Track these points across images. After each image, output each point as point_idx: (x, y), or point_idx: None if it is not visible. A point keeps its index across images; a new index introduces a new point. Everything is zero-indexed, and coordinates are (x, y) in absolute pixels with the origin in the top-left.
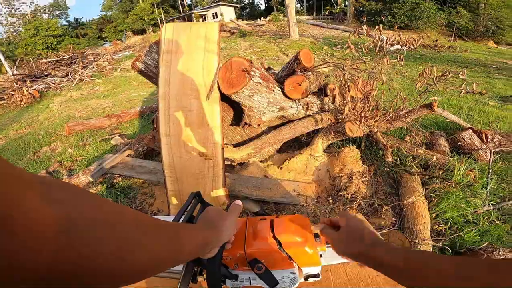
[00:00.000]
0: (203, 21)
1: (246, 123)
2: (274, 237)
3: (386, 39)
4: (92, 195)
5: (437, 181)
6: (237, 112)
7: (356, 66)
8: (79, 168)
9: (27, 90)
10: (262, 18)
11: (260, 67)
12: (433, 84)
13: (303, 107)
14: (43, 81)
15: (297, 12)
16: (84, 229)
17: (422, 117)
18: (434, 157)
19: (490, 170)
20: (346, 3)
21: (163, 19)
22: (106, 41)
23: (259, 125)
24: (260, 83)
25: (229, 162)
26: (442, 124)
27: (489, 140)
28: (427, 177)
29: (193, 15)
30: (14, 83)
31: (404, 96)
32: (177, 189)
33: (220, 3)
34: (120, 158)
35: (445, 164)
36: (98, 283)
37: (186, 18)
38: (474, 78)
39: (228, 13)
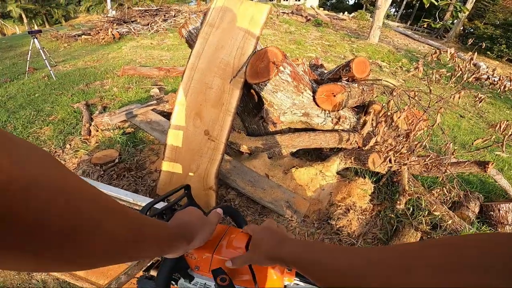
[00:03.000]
0: (285, 0)
1: (262, 117)
2: (246, 248)
3: (482, 69)
4: (59, 164)
5: None
6: (260, 102)
7: (415, 93)
8: (113, 107)
9: (111, 31)
10: (346, 13)
11: (293, 64)
12: (501, 143)
13: (332, 119)
14: (128, 26)
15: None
16: (44, 190)
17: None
18: (451, 220)
19: None
20: (455, 21)
21: None
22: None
23: (275, 123)
24: (287, 81)
25: (237, 148)
26: (489, 186)
27: None
28: (428, 236)
29: None
30: (105, 24)
31: (454, 150)
32: (173, 157)
33: None
34: (144, 110)
35: (458, 231)
36: (47, 248)
37: None
38: None
39: None
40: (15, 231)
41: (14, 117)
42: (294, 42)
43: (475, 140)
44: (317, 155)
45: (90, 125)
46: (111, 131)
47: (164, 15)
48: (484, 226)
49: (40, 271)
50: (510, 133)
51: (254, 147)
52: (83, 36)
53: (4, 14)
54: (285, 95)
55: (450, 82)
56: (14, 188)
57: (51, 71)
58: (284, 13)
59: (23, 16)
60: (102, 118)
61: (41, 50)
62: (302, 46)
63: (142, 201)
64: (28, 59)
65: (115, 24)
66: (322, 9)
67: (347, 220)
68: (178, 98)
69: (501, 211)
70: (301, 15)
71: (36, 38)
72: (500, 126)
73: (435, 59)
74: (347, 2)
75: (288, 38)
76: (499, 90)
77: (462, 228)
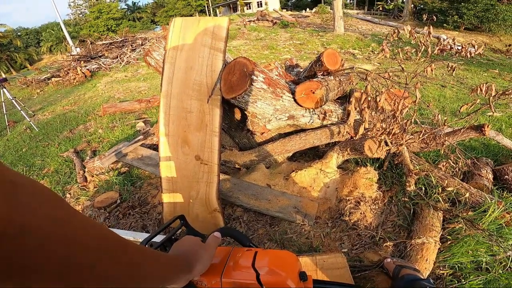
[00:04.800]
0: (248, 9)
1: (248, 130)
2: (253, 267)
3: (443, 40)
4: (59, 204)
5: (461, 220)
6: (243, 115)
7: (388, 75)
8: (103, 150)
9: (80, 70)
10: (307, 9)
11: (264, 70)
12: (488, 105)
13: (318, 116)
14: (96, 62)
15: (345, 6)
16: (36, 239)
17: (469, 139)
18: (468, 193)
19: None
20: (404, 0)
21: (210, 5)
22: (158, 25)
23: (262, 133)
24: (263, 88)
25: (233, 166)
26: (494, 148)
27: None
28: (451, 214)
29: (238, 2)
30: (72, 62)
31: (444, 119)
32: (170, 188)
33: None
34: (132, 147)
35: (479, 203)
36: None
37: (231, 6)
38: None
39: (273, 2)
40: (12, 273)
41: None
42: (267, 48)
43: (461, 106)
44: (314, 154)
45: (84, 171)
46: (106, 174)
47: (131, 45)
48: (505, 192)
49: None
50: (493, 93)
51: (249, 161)
52: (53, 79)
53: None
54: (265, 102)
55: (418, 58)
56: (9, 234)
57: (31, 122)
58: (250, 21)
59: None
60: (94, 163)
61: (13, 100)
62: (275, 50)
63: (141, 237)
64: (5, 112)
65: (82, 62)
66: (285, 10)
67: (360, 213)
68: (161, 129)
69: None
70: (267, 20)
71: (5, 87)
72: (481, 89)
73: (396, 38)
74: None
75: (260, 45)
76: (466, 57)
77: (482, 199)
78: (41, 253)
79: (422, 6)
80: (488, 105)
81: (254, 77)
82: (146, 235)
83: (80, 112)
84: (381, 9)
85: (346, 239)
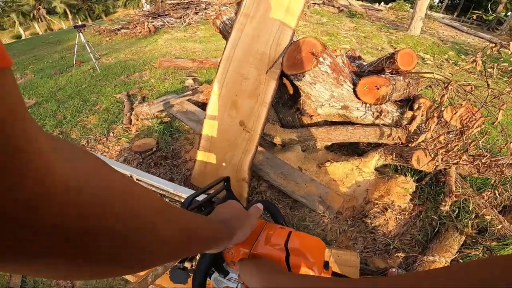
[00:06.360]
0: None
1: (298, 109)
2: (286, 247)
3: None
4: (107, 165)
5: (480, 248)
6: (296, 93)
7: (471, 88)
8: (151, 97)
9: (147, 25)
10: (382, 3)
11: (332, 55)
12: None
13: (373, 113)
14: (162, 20)
15: (431, 8)
16: (96, 192)
17: None
18: (501, 225)
19: None
20: (509, 13)
21: None
22: None
23: (311, 116)
24: (327, 72)
25: (271, 140)
26: None
27: None
28: (473, 241)
29: None
30: (142, 17)
31: None
32: (207, 147)
33: None
34: (180, 100)
35: (506, 236)
36: (104, 251)
37: None
38: None
39: None
40: (72, 241)
41: (63, 106)
42: (326, 34)
43: None
44: (352, 150)
45: (131, 114)
46: (150, 120)
47: (195, 8)
48: None
49: (94, 278)
50: None
51: (288, 139)
52: (122, 30)
53: (50, 10)
54: (324, 87)
55: (510, 78)
56: (65, 191)
57: (95, 64)
58: (315, 3)
59: (67, 11)
60: (142, 108)
61: (86, 44)
62: (335, 38)
63: (182, 191)
64: (75, 53)
65: (150, 18)
66: None
67: (384, 219)
68: (214, 89)
69: None
70: (333, 6)
71: (81, 32)
72: None
73: (495, 52)
74: None
75: (320, 30)
76: None
77: (510, 233)
78: (104, 213)
79: None
80: None
81: (322, 59)
82: (184, 188)
83: (139, 61)
84: (474, 18)
85: (360, 240)
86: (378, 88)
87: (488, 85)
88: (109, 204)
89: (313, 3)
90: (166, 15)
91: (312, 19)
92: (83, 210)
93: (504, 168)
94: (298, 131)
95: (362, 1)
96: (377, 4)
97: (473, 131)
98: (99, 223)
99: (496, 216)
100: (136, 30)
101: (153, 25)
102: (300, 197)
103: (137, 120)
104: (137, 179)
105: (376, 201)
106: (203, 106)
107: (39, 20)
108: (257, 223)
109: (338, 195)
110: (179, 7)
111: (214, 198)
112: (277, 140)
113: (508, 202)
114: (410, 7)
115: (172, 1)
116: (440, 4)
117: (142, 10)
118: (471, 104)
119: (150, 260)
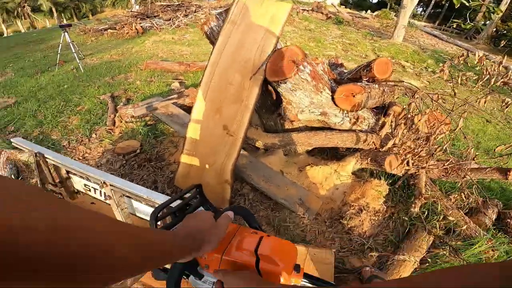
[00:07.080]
0: None
1: (280, 114)
2: (256, 252)
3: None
4: (70, 207)
5: (447, 248)
6: (278, 99)
7: (438, 96)
8: (136, 100)
9: (135, 26)
10: (369, 11)
11: (313, 63)
12: None
13: (350, 119)
14: (150, 21)
15: (414, 16)
16: (66, 228)
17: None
18: (466, 226)
19: None
20: (487, 22)
21: None
22: None
23: (292, 121)
24: (307, 80)
25: (253, 144)
26: (510, 193)
27: None
28: (441, 241)
29: None
30: (130, 18)
31: (475, 155)
32: (192, 150)
33: None
34: (165, 103)
35: (472, 237)
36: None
37: None
38: None
39: None
40: (23, 270)
41: (44, 106)
42: (313, 40)
43: (498, 146)
44: (332, 155)
45: (115, 116)
46: (134, 122)
47: (185, 10)
48: (500, 233)
49: None
50: None
51: (270, 143)
52: (109, 30)
53: (35, 7)
54: (304, 93)
55: (477, 85)
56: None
57: (79, 64)
58: (304, 10)
59: (53, 9)
60: (126, 110)
61: (71, 44)
62: (321, 44)
63: (156, 198)
64: (59, 52)
65: (138, 19)
66: (344, 7)
67: (359, 220)
68: (200, 93)
69: None
70: (322, 13)
71: (67, 32)
72: None
73: (461, 62)
74: (371, 0)
75: (307, 36)
76: None
77: (476, 234)
78: (48, 249)
79: (505, 32)
80: None
81: (302, 67)
82: (158, 194)
83: (125, 62)
84: (455, 26)
85: (337, 241)
86: (354, 96)
87: (454, 93)
88: (51, 241)
89: (302, 10)
90: (155, 16)
91: (301, 25)
92: (31, 249)
93: (468, 172)
94: (280, 136)
95: (350, 8)
96: (364, 12)
97: (437, 136)
98: (43, 255)
99: (462, 217)
100: (123, 31)
101: (141, 26)
102: (281, 199)
103: (121, 122)
104: (110, 185)
105: (352, 203)
106: (188, 109)
107: (23, 17)
108: (230, 227)
109: (317, 198)
110: (169, 9)
111: (190, 201)
112: (260, 144)
113: (474, 205)
114: (394, 15)
115: (162, 3)
116: (423, 12)
117: (131, 11)
118: (439, 112)
119: (112, 278)
